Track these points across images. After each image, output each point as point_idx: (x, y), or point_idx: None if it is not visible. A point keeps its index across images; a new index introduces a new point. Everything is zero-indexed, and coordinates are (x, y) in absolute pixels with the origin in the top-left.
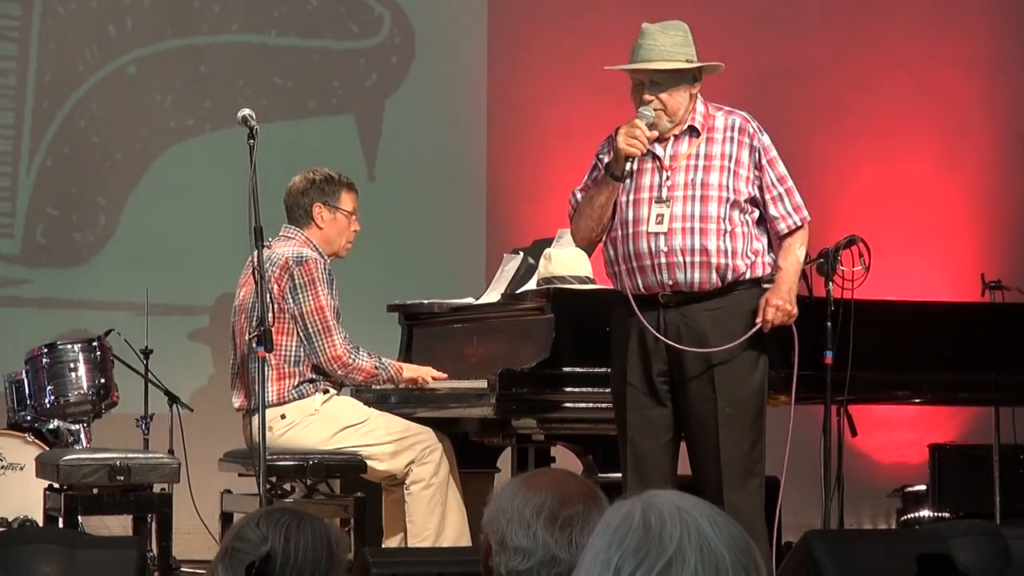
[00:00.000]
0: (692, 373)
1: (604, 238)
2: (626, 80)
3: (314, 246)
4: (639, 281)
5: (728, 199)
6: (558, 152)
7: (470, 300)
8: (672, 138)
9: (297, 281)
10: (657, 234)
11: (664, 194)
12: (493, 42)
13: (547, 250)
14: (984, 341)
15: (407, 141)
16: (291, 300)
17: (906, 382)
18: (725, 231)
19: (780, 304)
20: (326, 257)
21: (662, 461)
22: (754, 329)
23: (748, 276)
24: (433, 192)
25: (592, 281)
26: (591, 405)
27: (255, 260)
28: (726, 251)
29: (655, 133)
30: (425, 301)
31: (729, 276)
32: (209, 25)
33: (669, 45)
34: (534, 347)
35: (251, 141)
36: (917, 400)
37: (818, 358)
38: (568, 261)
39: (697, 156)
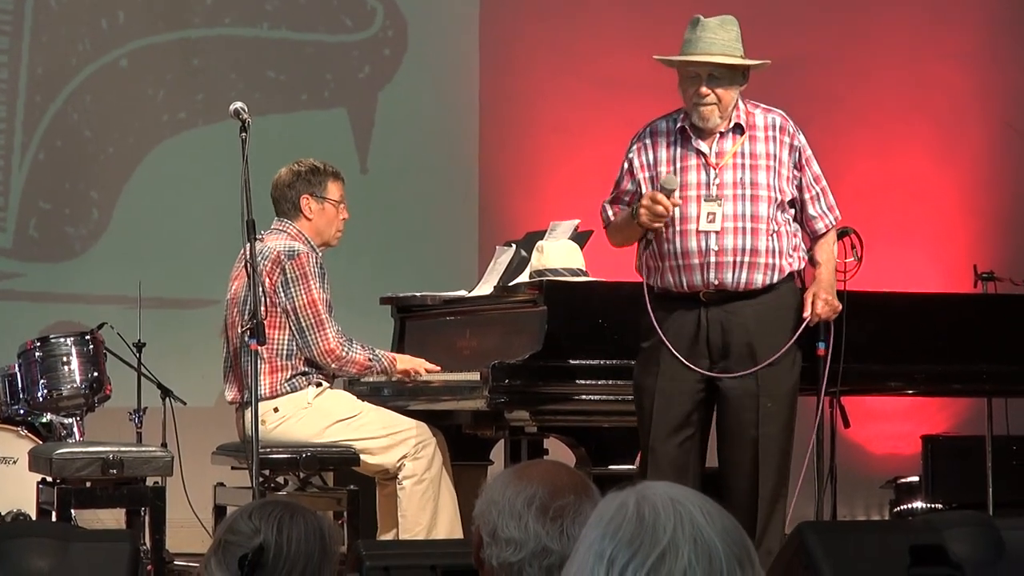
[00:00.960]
0: (738, 369)
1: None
2: (620, 74)
3: (305, 239)
4: (683, 279)
5: (775, 199)
6: (551, 145)
7: (463, 293)
8: (717, 135)
9: (289, 275)
10: (708, 233)
11: (714, 192)
12: (486, 35)
13: (539, 242)
14: (977, 332)
15: (400, 134)
16: (283, 294)
17: (899, 373)
18: (773, 231)
19: (827, 298)
20: (318, 250)
21: (681, 459)
22: (803, 325)
23: (788, 273)
24: (426, 185)
25: (585, 273)
26: (584, 397)
27: (247, 253)
28: (774, 251)
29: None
30: (418, 294)
31: (775, 277)
32: (201, 18)
33: (728, 40)
34: (527, 339)
35: (243, 134)
36: (910, 391)
37: (811, 349)
38: (561, 253)
39: (743, 155)
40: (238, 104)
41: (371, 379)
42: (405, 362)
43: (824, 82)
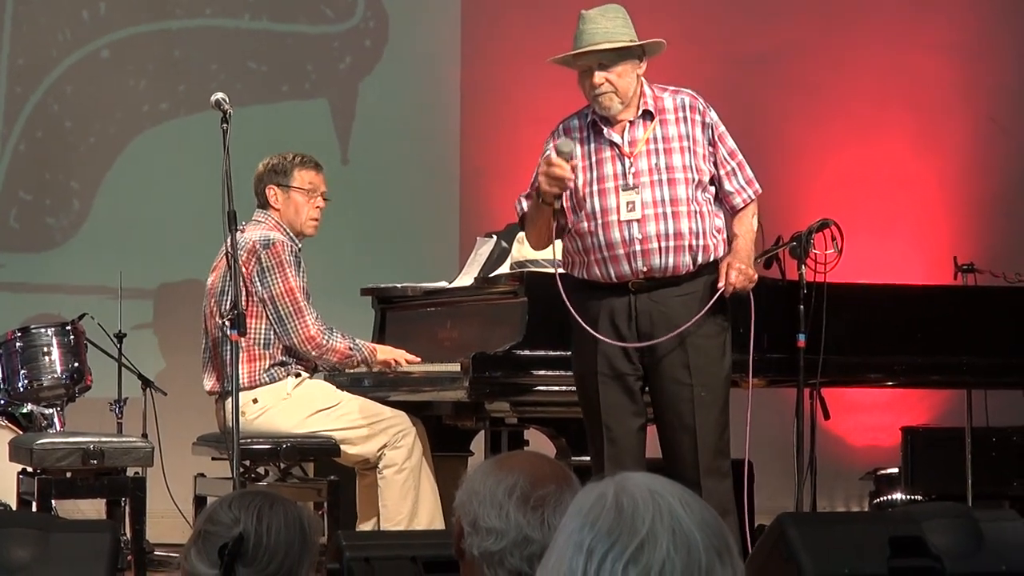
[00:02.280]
0: (667, 357)
1: (569, 229)
2: None
3: (283, 229)
4: (611, 270)
5: (693, 180)
6: (531, 136)
7: (443, 284)
8: (627, 123)
9: (264, 264)
10: (630, 222)
11: (631, 181)
12: (467, 26)
13: (520, 234)
14: (957, 324)
15: (380, 125)
16: (259, 283)
17: (879, 365)
18: (695, 212)
19: (741, 267)
20: (294, 239)
21: (636, 446)
22: (717, 294)
23: (713, 257)
24: (406, 176)
25: None
26: (565, 388)
27: (228, 244)
28: (697, 232)
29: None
30: (398, 285)
31: (700, 257)
32: (183, 9)
33: (612, 27)
34: (507, 330)
35: (224, 125)
36: (890, 383)
37: (791, 341)
38: None
39: (655, 139)
40: (219, 95)
41: (351, 370)
42: (385, 352)
43: (804, 72)
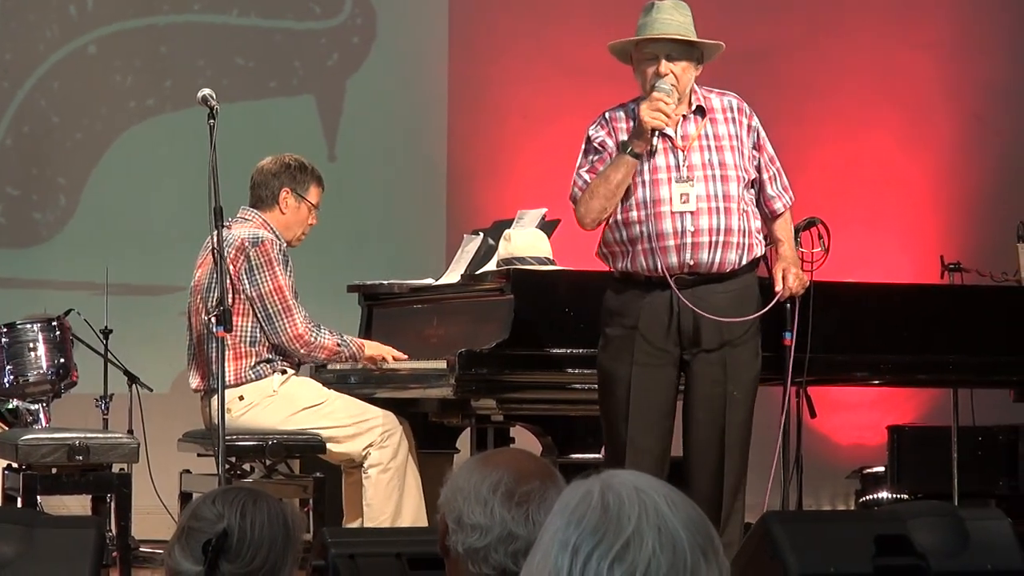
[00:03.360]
0: (706, 355)
1: (613, 219)
2: (589, 63)
3: (271, 228)
4: (657, 261)
5: (743, 179)
6: (519, 133)
7: (430, 281)
8: (681, 118)
9: (253, 262)
10: (683, 214)
11: (685, 174)
12: (454, 22)
13: (507, 231)
14: (943, 323)
15: (368, 121)
16: (247, 281)
17: (865, 363)
18: (744, 210)
19: (798, 272)
20: (282, 239)
21: (657, 449)
22: (776, 298)
23: (753, 257)
24: (393, 173)
25: (552, 262)
26: (551, 385)
27: (214, 240)
28: (745, 231)
29: (682, 112)
30: (385, 282)
31: (745, 257)
32: (170, 5)
33: (684, 22)
34: (494, 328)
35: (211, 121)
36: (876, 381)
37: (777, 339)
38: (528, 242)
39: (707, 136)
40: (206, 91)
41: (338, 367)
42: (372, 348)
43: (792, 71)
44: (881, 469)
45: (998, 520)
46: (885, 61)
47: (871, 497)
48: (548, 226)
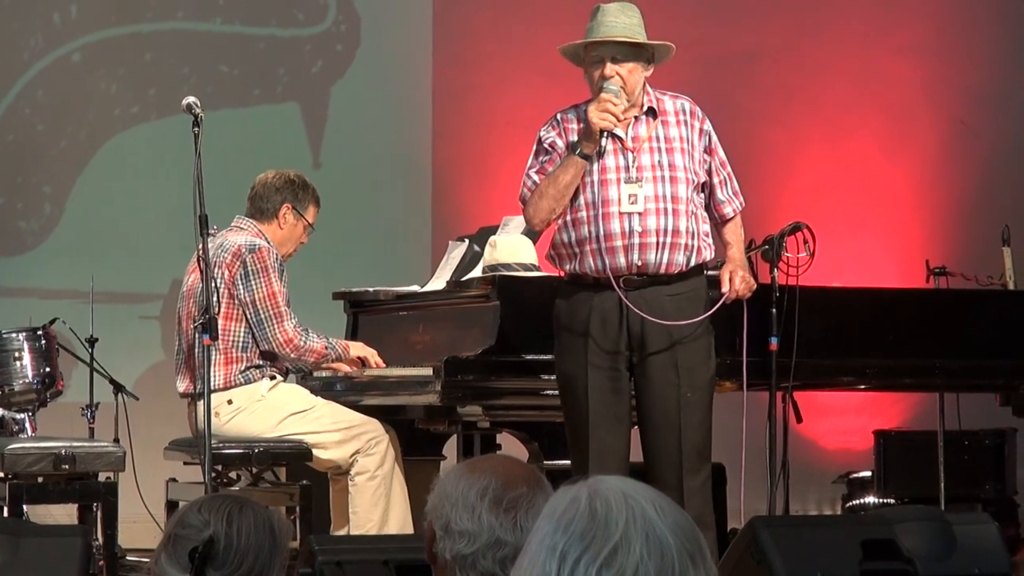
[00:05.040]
0: (656, 357)
1: (562, 220)
2: (574, 69)
3: (266, 239)
4: (605, 262)
5: (692, 181)
6: (504, 139)
7: (415, 287)
8: (632, 120)
9: (249, 268)
10: (630, 214)
11: (634, 175)
12: (438, 29)
13: (492, 237)
14: (929, 327)
15: (352, 128)
16: (241, 287)
17: (851, 368)
18: (692, 212)
19: (744, 275)
20: (276, 249)
21: (622, 450)
22: (721, 300)
23: (701, 260)
24: (378, 179)
25: (537, 268)
26: (537, 391)
27: (201, 248)
28: (693, 232)
29: (626, 104)
30: (370, 288)
31: (693, 259)
32: (154, 12)
33: (630, 23)
34: (480, 334)
35: (196, 129)
36: (862, 386)
37: (763, 344)
38: (513, 248)
39: (658, 138)
40: (191, 99)
41: (324, 374)
42: (358, 349)
43: (776, 75)
44: (867, 474)
45: (985, 524)
46: (868, 64)
47: (858, 502)
48: (533, 233)
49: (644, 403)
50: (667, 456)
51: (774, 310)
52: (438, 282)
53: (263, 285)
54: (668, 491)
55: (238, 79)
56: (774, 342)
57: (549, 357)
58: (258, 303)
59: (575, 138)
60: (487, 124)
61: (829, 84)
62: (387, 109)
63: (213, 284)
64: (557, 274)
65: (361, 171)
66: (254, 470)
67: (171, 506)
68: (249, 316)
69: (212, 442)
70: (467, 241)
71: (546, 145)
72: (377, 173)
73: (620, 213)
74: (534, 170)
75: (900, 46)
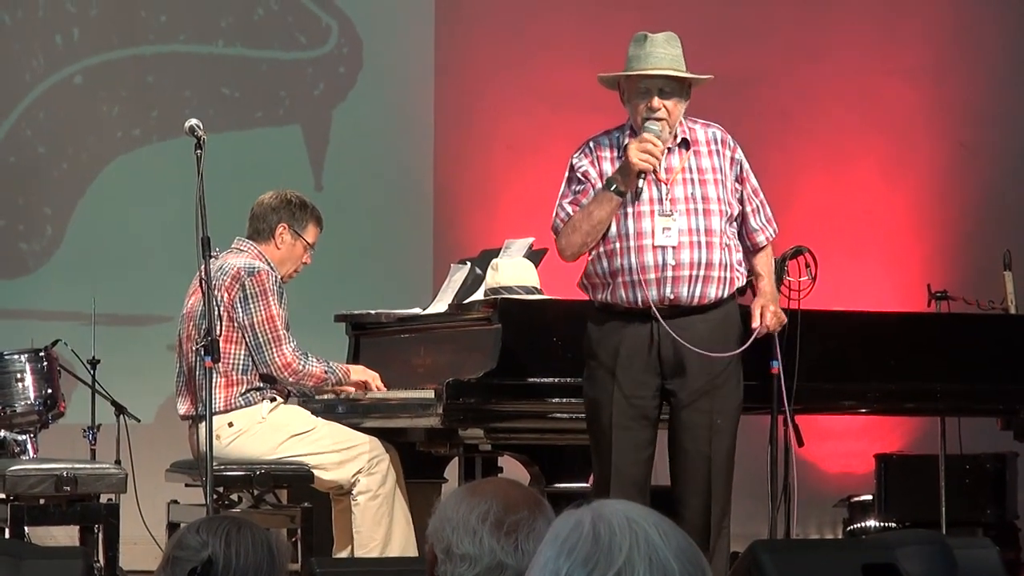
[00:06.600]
0: (689, 384)
1: (595, 252)
2: (575, 93)
3: (266, 260)
4: (637, 294)
5: (725, 212)
6: (505, 162)
7: (417, 310)
8: (665, 150)
9: (248, 291)
10: (664, 247)
11: (667, 207)
12: (440, 52)
13: (494, 260)
14: (930, 351)
15: (354, 151)
16: (240, 310)
17: (852, 392)
18: (726, 244)
19: (775, 310)
20: (277, 272)
21: (641, 479)
22: (753, 336)
23: (734, 290)
24: (380, 202)
25: (539, 291)
26: (538, 415)
27: (202, 270)
28: (727, 264)
29: (668, 145)
30: (372, 311)
31: (726, 291)
32: (156, 35)
33: (675, 55)
34: (481, 357)
35: (198, 151)
36: (863, 410)
37: (764, 368)
38: (515, 271)
39: (691, 169)
40: (193, 121)
41: (325, 396)
42: (359, 373)
43: (774, 99)
44: (869, 497)
45: (986, 549)
46: (867, 88)
47: (859, 525)
48: (535, 255)
49: (676, 428)
50: (695, 483)
51: (776, 334)
52: (440, 305)
53: (261, 309)
54: (694, 517)
55: (240, 102)
56: (776, 366)
57: (551, 380)
58: (256, 327)
59: (607, 166)
60: (489, 147)
61: (828, 108)
62: (389, 132)
63: (214, 305)
64: (558, 298)
65: (363, 194)
66: (255, 492)
67: (172, 528)
68: (248, 340)
69: (214, 464)
70: (469, 264)
71: (579, 174)
72: (379, 196)
73: (654, 246)
74: (567, 200)
75: (898, 69)
